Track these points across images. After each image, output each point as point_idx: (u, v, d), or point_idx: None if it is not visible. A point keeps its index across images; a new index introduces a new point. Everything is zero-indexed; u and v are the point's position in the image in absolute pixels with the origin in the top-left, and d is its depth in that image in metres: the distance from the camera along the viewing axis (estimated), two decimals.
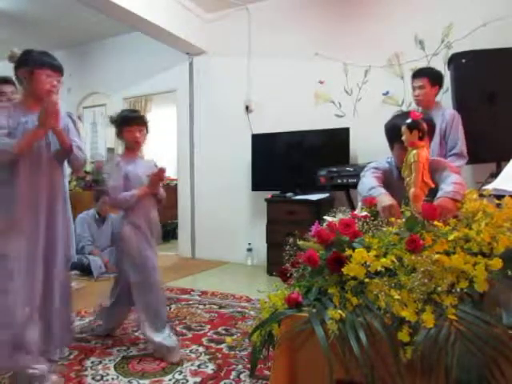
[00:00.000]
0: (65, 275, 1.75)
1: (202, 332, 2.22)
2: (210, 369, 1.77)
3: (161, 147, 6.70)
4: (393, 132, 1.73)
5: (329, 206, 3.21)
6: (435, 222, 1.05)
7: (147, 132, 2.10)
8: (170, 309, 2.62)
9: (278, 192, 3.80)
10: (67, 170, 3.27)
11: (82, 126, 5.65)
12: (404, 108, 3.46)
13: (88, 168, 5.25)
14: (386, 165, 1.89)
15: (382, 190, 1.63)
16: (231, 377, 1.69)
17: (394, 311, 0.89)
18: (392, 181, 1.77)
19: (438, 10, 3.33)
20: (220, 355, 1.90)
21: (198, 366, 1.79)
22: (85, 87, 5.48)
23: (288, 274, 1.18)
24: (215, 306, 2.70)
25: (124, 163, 2.02)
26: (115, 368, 1.79)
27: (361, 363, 0.85)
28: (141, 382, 1.67)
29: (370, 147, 3.50)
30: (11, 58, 1.64)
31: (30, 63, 1.60)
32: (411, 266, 0.95)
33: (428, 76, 2.72)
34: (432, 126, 1.69)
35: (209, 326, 2.31)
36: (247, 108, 4.22)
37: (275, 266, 3.35)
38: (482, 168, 2.94)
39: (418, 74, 2.77)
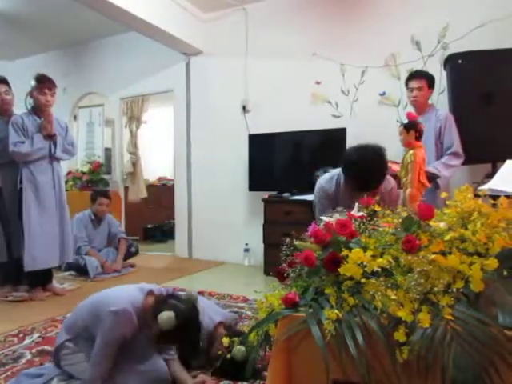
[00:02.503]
0: None
1: None
2: None
3: (158, 147, 6.70)
4: (360, 178, 1.86)
5: None
6: (431, 222, 1.05)
7: None
8: None
9: (275, 192, 3.80)
10: (63, 170, 3.28)
11: (77, 126, 5.63)
12: (400, 108, 3.47)
13: (84, 168, 5.23)
14: (332, 185, 2.18)
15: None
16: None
17: (390, 311, 0.89)
18: (338, 194, 2.12)
19: (434, 11, 3.35)
20: None
21: None
22: (81, 87, 5.46)
23: (285, 274, 1.18)
24: None
25: None
26: None
27: (357, 363, 0.86)
28: None
29: None
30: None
31: None
32: (407, 266, 0.96)
33: (426, 78, 2.81)
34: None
35: None
36: (244, 108, 4.22)
37: (272, 266, 3.34)
38: (477, 168, 2.95)
39: (416, 74, 2.85)
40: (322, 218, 1.25)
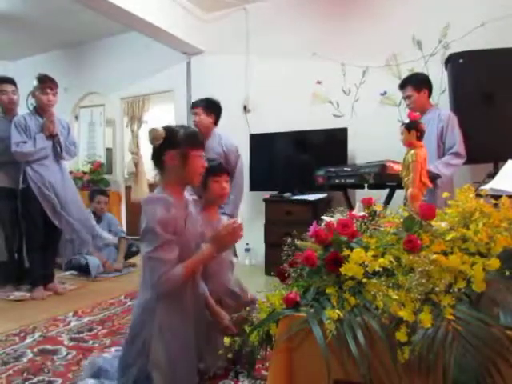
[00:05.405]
0: None
1: None
2: None
3: None
4: None
5: (327, 206, 3.21)
6: (433, 222, 1.05)
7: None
8: None
9: (276, 192, 3.80)
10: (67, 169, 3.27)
11: (78, 126, 5.64)
12: (401, 108, 3.47)
13: (86, 168, 5.24)
14: None
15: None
16: (229, 377, 1.69)
17: (391, 311, 0.89)
18: None
19: (435, 11, 3.34)
20: None
21: None
22: (82, 87, 5.46)
23: (286, 274, 1.18)
24: None
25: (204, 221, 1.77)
26: None
27: (358, 363, 0.85)
28: None
29: (367, 147, 3.51)
30: (155, 138, 1.48)
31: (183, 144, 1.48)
32: (409, 265, 0.95)
33: (410, 83, 2.74)
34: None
35: None
36: (245, 108, 4.22)
37: (273, 265, 3.34)
38: (479, 168, 2.95)
39: (401, 85, 2.79)
40: (323, 217, 1.25)
